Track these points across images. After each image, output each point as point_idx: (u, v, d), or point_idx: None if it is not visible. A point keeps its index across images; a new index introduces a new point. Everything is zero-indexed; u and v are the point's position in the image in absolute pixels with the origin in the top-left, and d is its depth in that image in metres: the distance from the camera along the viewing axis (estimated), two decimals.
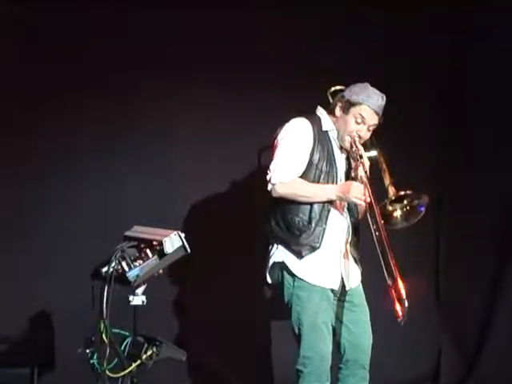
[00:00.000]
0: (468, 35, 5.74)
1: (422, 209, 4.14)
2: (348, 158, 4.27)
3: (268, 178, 4.09)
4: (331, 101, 4.35)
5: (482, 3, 5.60)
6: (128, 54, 5.38)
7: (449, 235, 5.80)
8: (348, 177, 4.25)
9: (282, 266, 4.16)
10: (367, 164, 4.22)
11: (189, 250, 3.86)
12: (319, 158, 4.13)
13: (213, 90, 5.47)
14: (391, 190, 4.08)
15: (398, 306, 3.84)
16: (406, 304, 3.83)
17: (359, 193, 4.04)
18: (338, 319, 4.22)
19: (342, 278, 4.22)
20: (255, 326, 5.58)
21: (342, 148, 4.23)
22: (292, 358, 4.23)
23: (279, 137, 4.17)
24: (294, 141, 4.13)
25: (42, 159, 5.33)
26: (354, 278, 4.28)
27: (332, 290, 4.19)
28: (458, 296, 5.80)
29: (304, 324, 4.09)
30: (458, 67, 5.80)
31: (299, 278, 4.12)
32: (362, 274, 4.34)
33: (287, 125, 4.18)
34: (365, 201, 4.04)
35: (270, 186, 4.09)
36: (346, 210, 4.23)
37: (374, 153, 4.23)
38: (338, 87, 4.37)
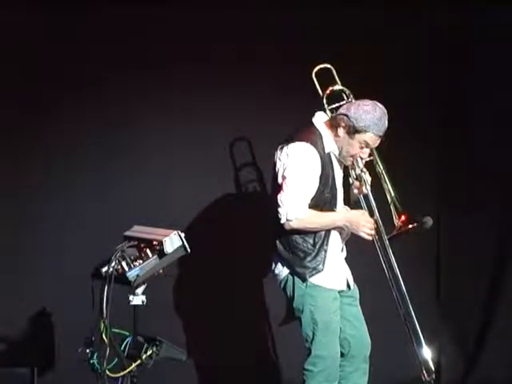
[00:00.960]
0: (469, 35, 5.73)
1: (409, 227, 4.12)
2: (344, 169, 4.25)
3: (283, 212, 4.01)
4: (316, 82, 4.33)
5: (481, 3, 5.59)
6: (128, 55, 5.36)
7: (449, 235, 5.79)
8: (344, 187, 4.24)
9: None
10: (369, 180, 4.20)
11: (189, 250, 3.85)
12: (325, 185, 4.09)
13: (211, 90, 5.46)
14: (397, 220, 4.08)
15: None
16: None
17: (368, 228, 4.08)
18: (341, 316, 4.22)
19: (347, 278, 4.26)
20: (256, 326, 5.58)
21: (340, 162, 4.20)
22: (294, 357, 4.24)
23: (287, 166, 4.05)
24: (304, 174, 4.03)
25: (42, 159, 5.33)
26: (350, 274, 4.31)
27: (339, 291, 4.22)
28: (458, 295, 5.80)
29: (319, 323, 4.10)
30: (458, 67, 5.79)
31: (313, 284, 4.12)
32: (362, 273, 4.38)
33: (294, 153, 4.04)
34: (371, 235, 4.09)
35: (284, 220, 4.02)
36: None
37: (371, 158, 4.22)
38: (323, 66, 4.34)
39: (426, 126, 5.72)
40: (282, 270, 4.19)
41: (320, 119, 4.20)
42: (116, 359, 3.85)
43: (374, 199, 4.17)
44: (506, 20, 5.56)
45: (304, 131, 4.14)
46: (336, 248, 4.21)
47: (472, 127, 5.76)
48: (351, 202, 4.32)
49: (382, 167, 4.20)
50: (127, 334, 3.94)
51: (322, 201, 4.09)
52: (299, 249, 4.11)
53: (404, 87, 5.54)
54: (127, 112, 5.43)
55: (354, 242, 4.31)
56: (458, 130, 5.79)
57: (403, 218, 4.08)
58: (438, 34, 5.71)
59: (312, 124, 4.18)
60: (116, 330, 3.88)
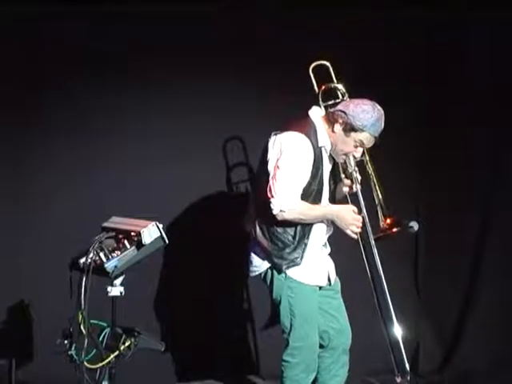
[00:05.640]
0: (463, 35, 5.76)
1: (394, 230, 4.17)
2: (334, 164, 4.26)
3: (277, 203, 3.99)
4: (312, 77, 4.33)
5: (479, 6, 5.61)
6: (126, 52, 5.34)
7: (428, 233, 5.82)
8: (330, 185, 4.25)
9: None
10: (359, 178, 4.22)
11: (167, 241, 3.86)
12: (313, 178, 4.09)
13: (190, 82, 5.44)
14: (383, 223, 4.13)
15: None
16: None
17: (356, 226, 4.08)
18: (321, 308, 4.24)
19: (328, 273, 4.28)
20: (236, 318, 5.60)
21: (330, 158, 4.20)
22: (274, 349, 4.26)
23: (280, 156, 4.04)
24: (298, 164, 4.03)
25: (15, 148, 5.29)
26: (333, 268, 4.33)
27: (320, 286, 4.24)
28: (437, 288, 5.85)
29: (296, 314, 4.12)
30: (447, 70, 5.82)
31: (290, 276, 4.13)
32: (344, 267, 4.41)
33: (288, 143, 4.05)
34: (357, 234, 4.11)
35: (277, 211, 3.99)
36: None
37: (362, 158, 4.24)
38: (321, 62, 4.36)
39: (407, 127, 5.73)
40: (262, 264, 4.18)
41: (317, 113, 4.20)
42: (94, 350, 3.84)
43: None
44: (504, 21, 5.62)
45: (299, 122, 4.14)
46: (317, 243, 4.21)
47: (452, 128, 5.79)
48: (336, 200, 4.33)
49: (372, 169, 4.22)
50: (105, 325, 3.94)
51: (309, 194, 4.09)
52: (279, 239, 4.11)
53: (387, 86, 5.54)
54: (107, 103, 5.39)
55: (336, 238, 4.33)
56: (436, 131, 5.81)
57: (389, 220, 4.12)
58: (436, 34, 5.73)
59: (308, 117, 4.18)
60: (94, 321, 3.88)
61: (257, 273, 4.23)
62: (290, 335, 4.14)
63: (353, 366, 4.40)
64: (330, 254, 4.35)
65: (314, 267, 4.17)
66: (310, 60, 4.41)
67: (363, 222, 4.12)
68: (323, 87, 4.32)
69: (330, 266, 4.31)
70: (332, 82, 4.34)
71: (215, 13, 5.41)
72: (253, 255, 4.22)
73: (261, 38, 5.48)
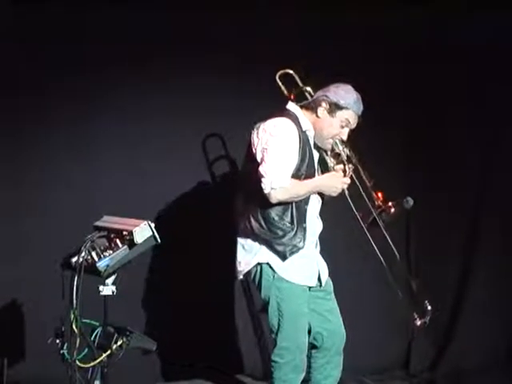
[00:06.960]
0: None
1: (390, 204, 4.20)
2: (319, 157, 4.27)
3: (267, 182, 3.99)
4: (280, 85, 4.36)
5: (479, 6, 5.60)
6: (126, 51, 5.34)
7: (419, 232, 5.85)
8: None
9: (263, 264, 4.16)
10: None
11: (159, 240, 3.85)
12: (302, 160, 4.10)
13: (188, 80, 5.44)
14: (377, 201, 4.18)
15: None
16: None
17: (342, 183, 4.13)
18: (313, 310, 4.23)
19: (319, 274, 4.26)
20: (228, 318, 5.59)
21: (316, 146, 4.22)
22: (266, 347, 4.25)
23: (265, 139, 4.06)
24: (284, 144, 4.05)
25: (9, 147, 5.28)
26: (325, 269, 4.32)
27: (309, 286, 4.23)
28: (428, 287, 5.85)
29: (284, 315, 4.10)
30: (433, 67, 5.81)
31: (281, 277, 4.12)
32: (337, 267, 4.41)
33: (271, 126, 4.08)
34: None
35: (268, 190, 3.99)
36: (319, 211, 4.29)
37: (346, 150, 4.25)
38: (287, 70, 4.38)
39: (399, 125, 5.74)
40: (248, 262, 4.17)
41: (294, 106, 4.24)
42: (86, 349, 3.84)
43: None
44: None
45: (279, 113, 4.18)
46: (308, 243, 4.19)
47: (444, 127, 5.79)
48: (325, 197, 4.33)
49: (355, 156, 4.24)
50: (97, 324, 3.93)
51: (298, 178, 4.09)
52: (278, 227, 4.10)
53: (378, 86, 5.52)
54: (103, 101, 5.39)
55: (331, 237, 4.34)
56: (429, 130, 5.82)
57: (380, 194, 4.17)
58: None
59: (286, 109, 4.22)
60: (86, 321, 3.88)
61: (243, 272, 4.22)
62: (278, 335, 4.12)
63: (346, 366, 4.39)
64: (322, 256, 4.34)
65: (303, 267, 4.16)
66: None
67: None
68: (293, 94, 4.35)
69: (321, 267, 4.29)
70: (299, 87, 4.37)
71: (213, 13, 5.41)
72: (238, 256, 4.23)
73: (259, 38, 5.48)
